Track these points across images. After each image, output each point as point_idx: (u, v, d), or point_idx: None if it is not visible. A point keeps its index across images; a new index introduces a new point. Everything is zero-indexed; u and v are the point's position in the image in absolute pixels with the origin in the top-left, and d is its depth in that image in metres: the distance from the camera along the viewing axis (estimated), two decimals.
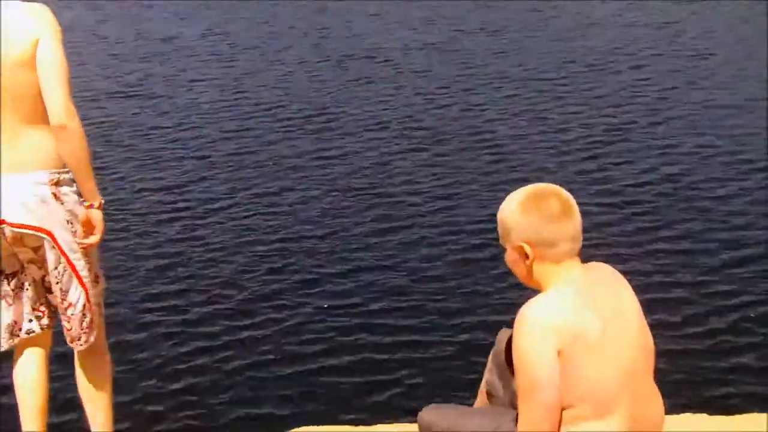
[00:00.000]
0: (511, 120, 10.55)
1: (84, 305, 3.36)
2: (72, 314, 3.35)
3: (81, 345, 3.41)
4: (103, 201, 3.33)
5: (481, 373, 3.41)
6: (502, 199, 2.82)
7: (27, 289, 3.40)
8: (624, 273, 2.84)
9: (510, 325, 2.89)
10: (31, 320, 3.43)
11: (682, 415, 3.46)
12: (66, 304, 3.33)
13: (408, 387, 5.33)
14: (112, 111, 11.34)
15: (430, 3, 17.81)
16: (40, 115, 3.17)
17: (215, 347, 5.80)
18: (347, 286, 6.61)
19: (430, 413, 3.16)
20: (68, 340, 3.45)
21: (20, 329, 3.44)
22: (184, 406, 5.20)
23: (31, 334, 3.47)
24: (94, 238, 3.33)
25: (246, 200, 8.37)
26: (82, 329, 3.40)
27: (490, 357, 3.34)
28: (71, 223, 3.27)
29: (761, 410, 3.93)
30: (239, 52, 14.49)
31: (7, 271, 3.35)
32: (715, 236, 7.30)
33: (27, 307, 3.42)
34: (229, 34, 15.85)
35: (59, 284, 3.32)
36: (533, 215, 2.74)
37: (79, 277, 3.33)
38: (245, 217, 7.96)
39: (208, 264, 7.02)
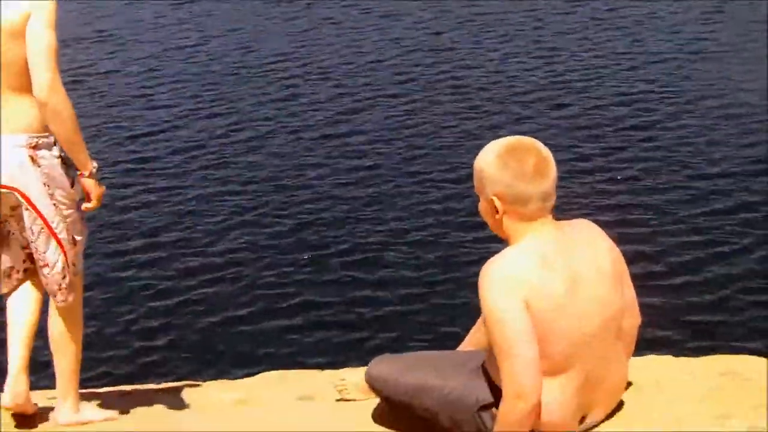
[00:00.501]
0: (491, 68, 10.49)
1: (63, 267, 3.43)
2: (48, 274, 3.42)
3: (59, 302, 3.48)
4: (95, 168, 3.40)
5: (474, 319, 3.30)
6: (478, 148, 2.80)
7: (14, 235, 3.47)
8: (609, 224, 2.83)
9: None
10: (24, 260, 3.51)
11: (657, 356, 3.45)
12: (41, 263, 3.41)
13: (386, 338, 5.40)
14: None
15: None
16: (27, 84, 3.24)
17: (190, 301, 5.89)
18: (328, 238, 6.67)
19: (374, 366, 3.10)
20: (48, 292, 3.51)
21: (18, 270, 3.53)
22: (155, 355, 5.33)
23: (27, 272, 3.54)
24: (89, 205, 3.41)
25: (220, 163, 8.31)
26: (59, 288, 3.46)
27: None
28: (48, 186, 3.34)
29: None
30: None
31: None
32: (695, 188, 7.36)
33: (18, 250, 3.50)
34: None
35: (34, 243, 3.39)
36: (507, 171, 2.71)
37: (57, 239, 3.40)
38: (220, 177, 7.97)
39: (184, 222, 7.06)
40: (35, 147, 3.30)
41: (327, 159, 8.09)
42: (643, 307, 2.96)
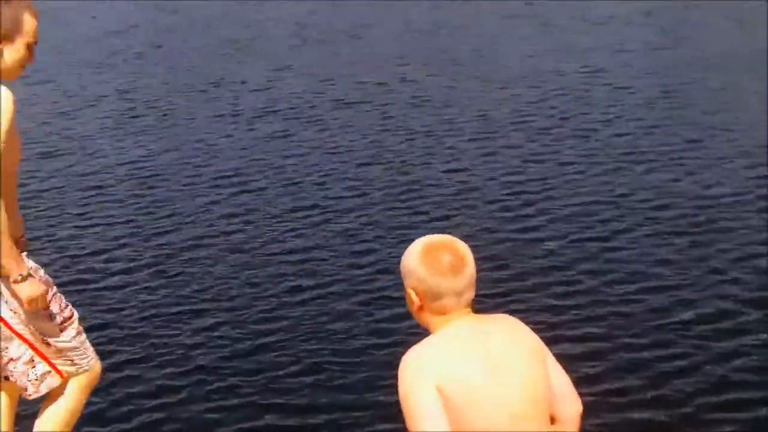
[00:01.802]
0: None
1: (32, 357, 3.42)
2: (13, 368, 3.40)
3: (30, 395, 3.48)
4: (23, 274, 3.31)
5: None
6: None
7: None
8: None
9: None
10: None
11: None
12: (6, 359, 3.39)
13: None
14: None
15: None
16: None
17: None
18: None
19: None
20: (21, 391, 3.51)
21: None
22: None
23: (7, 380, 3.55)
24: (22, 310, 3.38)
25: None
26: (29, 380, 3.45)
27: None
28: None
29: None
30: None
31: None
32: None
33: None
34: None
35: None
36: (422, 268, 2.84)
37: (18, 335, 3.39)
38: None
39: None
40: None
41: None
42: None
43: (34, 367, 3.44)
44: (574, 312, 6.61)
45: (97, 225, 8.78)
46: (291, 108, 13.11)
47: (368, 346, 6.20)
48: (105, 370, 4.01)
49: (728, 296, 6.78)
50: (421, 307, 2.86)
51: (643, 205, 8.76)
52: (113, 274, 7.58)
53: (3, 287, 3.36)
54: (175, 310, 6.93)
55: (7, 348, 3.40)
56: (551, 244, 7.91)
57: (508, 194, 9.23)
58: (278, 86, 14.48)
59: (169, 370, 6.01)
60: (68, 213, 9.14)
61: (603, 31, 17.69)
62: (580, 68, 14.65)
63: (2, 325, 3.38)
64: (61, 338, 3.51)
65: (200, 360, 6.12)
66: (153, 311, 6.88)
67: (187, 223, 8.81)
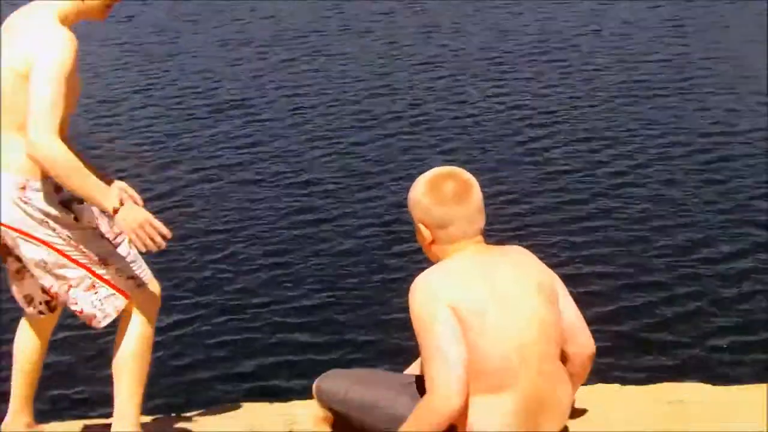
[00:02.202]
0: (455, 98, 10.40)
1: (92, 283, 3.37)
2: (76, 294, 3.36)
3: (100, 321, 3.40)
4: (115, 206, 3.27)
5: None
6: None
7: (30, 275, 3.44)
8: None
9: None
10: (40, 302, 3.51)
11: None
12: (66, 286, 3.36)
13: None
14: None
15: None
16: (21, 125, 3.20)
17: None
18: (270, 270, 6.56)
19: (325, 380, 3.12)
20: (87, 322, 3.44)
21: (35, 306, 3.53)
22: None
23: (41, 315, 3.55)
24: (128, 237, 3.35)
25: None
26: (94, 306, 3.39)
27: None
28: (46, 222, 3.32)
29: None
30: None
31: (15, 253, 3.40)
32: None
33: (37, 287, 3.48)
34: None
35: (49, 273, 3.34)
36: (428, 198, 2.84)
37: (72, 260, 3.35)
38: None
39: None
40: (23, 188, 3.29)
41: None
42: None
43: (96, 291, 3.38)
44: (585, 250, 6.56)
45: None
46: (299, 36, 12.92)
47: (378, 280, 6.17)
48: None
49: (741, 237, 6.72)
50: (432, 241, 2.85)
51: (657, 141, 8.64)
52: None
53: (53, 222, 3.33)
54: (190, 242, 6.86)
55: (64, 276, 3.35)
56: (563, 181, 7.83)
57: (520, 128, 9.12)
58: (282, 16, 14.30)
59: (186, 302, 5.99)
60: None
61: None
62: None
63: (54, 252, 3.32)
64: (118, 253, 3.49)
65: (212, 294, 6.10)
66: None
67: (195, 157, 8.72)
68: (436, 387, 2.64)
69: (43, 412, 4.13)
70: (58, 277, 3.36)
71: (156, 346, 5.31)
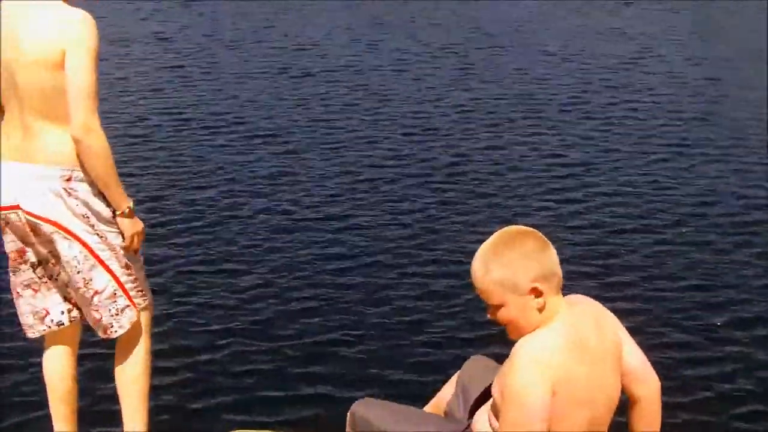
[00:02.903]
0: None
1: (114, 291, 3.37)
2: (99, 302, 3.35)
3: (115, 332, 3.41)
4: (128, 207, 3.38)
5: (438, 388, 3.44)
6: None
7: (56, 280, 3.42)
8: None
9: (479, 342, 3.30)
10: (62, 312, 3.47)
11: None
12: (91, 292, 3.34)
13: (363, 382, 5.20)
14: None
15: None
16: (63, 115, 3.22)
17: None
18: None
19: (362, 407, 3.09)
20: (100, 331, 3.43)
21: (51, 320, 3.46)
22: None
23: (60, 326, 3.50)
24: (124, 244, 3.39)
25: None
26: (112, 315, 3.39)
27: (455, 378, 3.30)
28: (87, 217, 3.31)
29: None
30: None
31: (32, 259, 3.40)
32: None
33: (58, 297, 3.45)
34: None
35: (80, 273, 3.33)
36: (533, 254, 2.72)
37: (103, 263, 3.35)
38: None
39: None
40: (69, 179, 3.27)
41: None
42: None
43: (115, 301, 3.37)
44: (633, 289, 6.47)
45: (135, 175, 8.64)
46: (342, 68, 12.89)
47: (409, 320, 6.00)
48: None
49: None
50: (546, 298, 2.72)
51: (690, 198, 8.47)
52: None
53: (93, 218, 3.33)
54: (211, 268, 6.77)
55: (91, 280, 3.34)
56: (597, 231, 7.67)
57: (551, 176, 9.02)
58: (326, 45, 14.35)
59: (201, 329, 5.85)
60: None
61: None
62: (629, 52, 14.37)
63: (87, 252, 3.31)
64: (138, 262, 3.50)
65: (233, 321, 5.95)
66: (186, 268, 6.72)
67: (226, 179, 8.69)
68: None
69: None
70: (86, 281, 3.32)
71: (176, 369, 5.27)
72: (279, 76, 12.81)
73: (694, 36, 16.04)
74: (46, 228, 3.29)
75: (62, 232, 3.27)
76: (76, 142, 3.19)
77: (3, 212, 3.33)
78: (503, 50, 14.85)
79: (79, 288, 3.35)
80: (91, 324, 3.51)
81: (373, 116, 11.01)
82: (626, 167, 9.34)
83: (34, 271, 3.43)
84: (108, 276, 3.35)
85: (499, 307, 2.74)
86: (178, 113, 10.97)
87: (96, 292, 3.34)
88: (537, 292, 2.71)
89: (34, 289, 3.44)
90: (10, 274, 3.51)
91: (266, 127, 10.44)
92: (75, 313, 3.50)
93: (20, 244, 3.40)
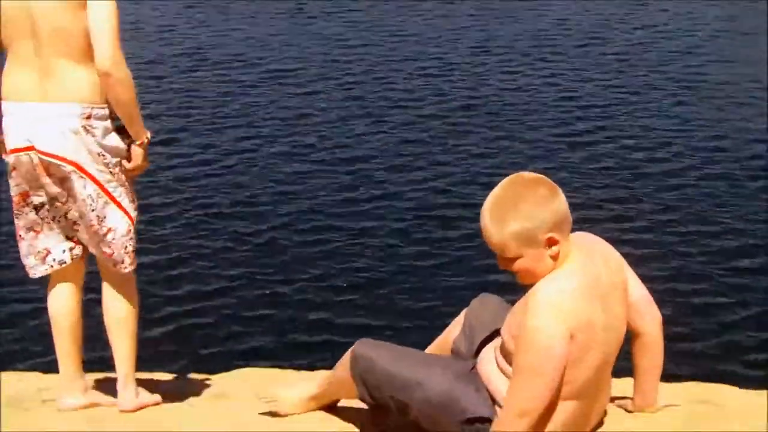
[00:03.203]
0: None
1: (128, 229, 3.43)
2: (113, 239, 3.41)
3: (126, 267, 3.47)
4: (147, 138, 3.43)
5: (443, 326, 3.37)
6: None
7: (59, 221, 3.47)
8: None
9: (485, 291, 3.10)
10: (63, 251, 3.50)
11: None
12: (105, 229, 3.39)
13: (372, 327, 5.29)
14: None
15: None
16: (82, 53, 3.25)
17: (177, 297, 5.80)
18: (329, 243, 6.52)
19: (363, 346, 3.07)
20: (110, 264, 3.49)
21: (54, 258, 3.51)
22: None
23: (62, 265, 3.54)
24: (130, 166, 3.44)
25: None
26: (126, 252, 3.46)
27: (463, 316, 3.27)
28: (103, 155, 3.35)
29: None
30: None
31: (35, 202, 3.43)
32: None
33: (60, 237, 3.49)
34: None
35: (94, 211, 3.37)
36: (546, 203, 2.66)
37: (117, 203, 3.41)
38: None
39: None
40: (88, 117, 3.31)
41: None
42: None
43: (131, 237, 3.46)
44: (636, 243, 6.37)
45: (152, 117, 8.63)
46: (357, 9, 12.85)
47: (419, 267, 6.07)
48: None
49: None
50: (561, 245, 2.69)
51: (709, 142, 8.45)
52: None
53: (109, 157, 3.39)
54: (225, 212, 6.84)
55: (105, 217, 3.40)
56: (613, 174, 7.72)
57: (566, 117, 9.03)
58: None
59: (215, 272, 5.98)
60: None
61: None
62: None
63: (101, 191, 3.38)
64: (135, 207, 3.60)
65: (242, 267, 6.06)
66: (198, 212, 6.83)
67: (242, 121, 8.72)
68: (529, 410, 2.64)
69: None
70: (99, 218, 3.39)
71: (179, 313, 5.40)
72: (296, 16, 12.74)
73: None
74: (63, 167, 3.34)
75: (78, 171, 3.33)
76: (105, 75, 3.24)
77: (13, 155, 3.38)
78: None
79: (92, 225, 3.41)
80: (99, 259, 3.50)
81: (389, 56, 10.96)
82: (643, 109, 9.32)
83: (36, 213, 3.49)
84: (121, 213, 3.44)
85: (514, 259, 2.69)
86: (194, 53, 10.97)
87: (110, 230, 3.41)
88: (553, 241, 2.67)
89: (35, 231, 3.51)
90: (14, 218, 3.56)
91: (283, 68, 10.40)
92: (77, 250, 3.55)
93: (25, 187, 3.45)
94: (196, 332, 5.35)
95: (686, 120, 9.06)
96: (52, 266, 3.53)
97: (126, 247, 3.44)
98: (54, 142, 3.30)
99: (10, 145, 3.35)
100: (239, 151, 8.06)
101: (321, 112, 9.04)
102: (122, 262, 3.46)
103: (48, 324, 3.54)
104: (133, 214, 3.49)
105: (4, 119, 3.37)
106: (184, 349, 5.20)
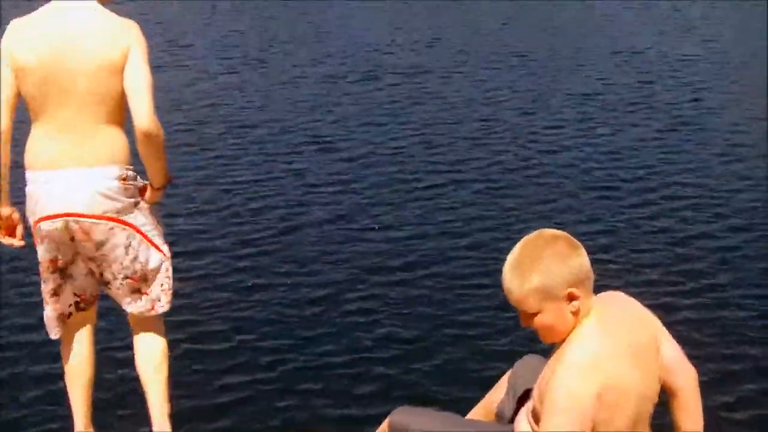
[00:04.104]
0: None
1: (167, 267, 3.65)
2: (152, 278, 3.62)
3: (162, 306, 3.66)
4: (162, 185, 3.66)
5: (485, 391, 3.43)
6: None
7: (74, 280, 3.62)
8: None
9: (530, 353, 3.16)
10: (70, 305, 3.66)
11: None
12: (146, 270, 3.60)
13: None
14: None
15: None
16: (116, 116, 3.47)
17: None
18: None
19: (401, 415, 3.05)
20: (145, 308, 3.63)
21: (67, 316, 3.69)
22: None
23: (69, 317, 3.72)
24: (146, 202, 3.68)
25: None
26: (162, 290, 3.66)
27: (506, 378, 3.30)
28: (137, 203, 3.58)
29: None
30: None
31: (61, 266, 3.57)
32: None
33: (69, 295, 3.66)
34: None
35: (137, 258, 3.57)
36: (567, 258, 2.70)
37: (155, 246, 3.63)
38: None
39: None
40: (125, 179, 3.51)
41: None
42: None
43: (168, 276, 3.64)
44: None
45: (190, 184, 8.76)
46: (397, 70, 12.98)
47: (454, 328, 6.02)
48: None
49: None
50: (581, 302, 2.71)
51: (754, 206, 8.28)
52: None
53: (147, 210, 3.61)
54: (264, 278, 6.83)
55: (147, 260, 3.58)
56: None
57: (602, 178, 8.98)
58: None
59: (240, 324, 5.98)
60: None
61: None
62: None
63: (141, 236, 3.56)
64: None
65: (287, 329, 6.04)
66: (234, 278, 6.81)
67: (281, 186, 8.77)
68: None
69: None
70: (143, 263, 3.58)
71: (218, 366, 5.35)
72: (340, 80, 12.85)
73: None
74: (104, 225, 3.47)
75: (120, 224, 3.49)
76: (146, 133, 3.38)
77: (48, 221, 3.49)
78: (565, 48, 14.80)
79: (135, 272, 3.55)
80: (132, 304, 3.64)
81: (431, 118, 11.05)
82: (684, 171, 9.22)
83: (61, 276, 3.62)
84: (160, 255, 3.63)
85: (534, 314, 2.73)
86: (231, 120, 11.11)
87: (152, 270, 3.59)
88: (573, 297, 2.70)
89: (57, 294, 3.63)
90: (42, 282, 3.67)
91: (321, 133, 10.50)
92: (82, 305, 3.70)
93: (55, 253, 3.56)
94: (231, 398, 5.25)
95: (740, 178, 8.91)
96: (65, 322, 3.70)
97: (162, 284, 3.57)
98: (94, 204, 3.44)
99: (43, 212, 3.47)
100: (277, 217, 8.10)
101: (359, 177, 9.07)
102: (159, 300, 3.59)
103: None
104: (168, 253, 3.68)
105: (34, 188, 3.49)
106: (218, 416, 5.07)
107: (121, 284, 3.59)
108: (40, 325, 3.99)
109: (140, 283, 3.57)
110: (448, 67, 13.62)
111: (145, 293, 3.59)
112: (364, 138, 10.29)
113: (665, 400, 2.96)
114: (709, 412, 3.00)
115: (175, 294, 3.81)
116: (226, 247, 7.34)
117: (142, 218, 3.56)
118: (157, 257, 3.60)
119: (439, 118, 11.08)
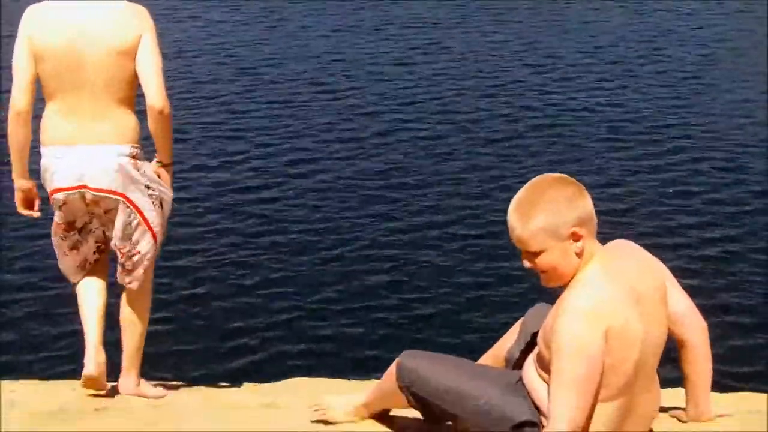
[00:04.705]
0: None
1: (153, 254, 3.82)
2: (137, 260, 3.79)
3: (133, 284, 3.83)
4: (171, 162, 3.85)
5: (496, 338, 3.37)
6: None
7: (94, 232, 3.84)
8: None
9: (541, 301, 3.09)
10: (94, 252, 3.89)
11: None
12: (134, 251, 3.78)
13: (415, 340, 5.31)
14: None
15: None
16: (127, 98, 3.67)
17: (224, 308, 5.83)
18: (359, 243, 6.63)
19: (409, 358, 3.06)
20: (122, 277, 3.86)
21: (89, 263, 3.90)
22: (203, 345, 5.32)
23: (95, 262, 3.93)
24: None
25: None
26: (143, 271, 3.83)
27: (518, 326, 3.28)
28: (150, 188, 3.74)
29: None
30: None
31: (78, 226, 3.81)
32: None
33: (92, 244, 3.87)
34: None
35: (132, 237, 3.76)
36: (572, 198, 2.71)
37: (152, 231, 3.78)
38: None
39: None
40: (135, 156, 3.70)
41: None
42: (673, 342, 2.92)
43: (151, 262, 3.81)
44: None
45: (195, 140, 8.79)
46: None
47: (463, 281, 6.09)
48: None
49: None
50: (585, 242, 2.72)
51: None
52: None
53: (156, 186, 3.76)
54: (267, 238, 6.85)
55: (138, 242, 3.76)
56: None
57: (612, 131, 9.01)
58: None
59: (254, 281, 6.03)
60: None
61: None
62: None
63: (141, 218, 3.73)
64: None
65: (299, 292, 6.05)
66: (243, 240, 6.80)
67: (290, 147, 8.76)
68: (570, 421, 2.61)
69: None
70: (133, 243, 3.75)
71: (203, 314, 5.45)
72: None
73: None
74: (112, 200, 3.68)
75: (126, 201, 3.68)
76: (158, 111, 3.60)
77: (64, 192, 3.72)
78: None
79: (124, 247, 3.76)
80: (119, 265, 3.83)
81: (442, 69, 11.02)
82: (690, 124, 9.24)
83: (79, 234, 3.83)
84: (152, 241, 3.78)
85: (538, 253, 2.73)
86: (246, 75, 11.07)
87: (138, 252, 3.77)
88: (576, 236, 2.70)
89: (77, 248, 3.85)
90: (57, 238, 3.88)
91: (338, 87, 10.48)
92: (102, 247, 3.88)
93: (72, 217, 3.81)
94: (249, 341, 5.40)
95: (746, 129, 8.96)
96: (87, 270, 3.90)
97: (144, 267, 3.82)
98: (106, 179, 3.67)
99: (59, 184, 3.71)
100: (285, 176, 8.09)
101: (366, 134, 9.04)
102: (134, 278, 3.82)
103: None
104: (161, 237, 3.83)
105: (50, 161, 3.71)
106: (237, 357, 5.28)
107: (114, 246, 3.82)
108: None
109: (125, 259, 3.77)
110: (458, 21, 13.55)
111: (128, 270, 3.80)
112: (376, 91, 10.29)
113: (674, 351, 2.96)
114: (717, 361, 3.02)
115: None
116: (240, 193, 7.44)
117: (146, 201, 3.73)
118: (149, 243, 3.77)
119: (449, 73, 11.06)
